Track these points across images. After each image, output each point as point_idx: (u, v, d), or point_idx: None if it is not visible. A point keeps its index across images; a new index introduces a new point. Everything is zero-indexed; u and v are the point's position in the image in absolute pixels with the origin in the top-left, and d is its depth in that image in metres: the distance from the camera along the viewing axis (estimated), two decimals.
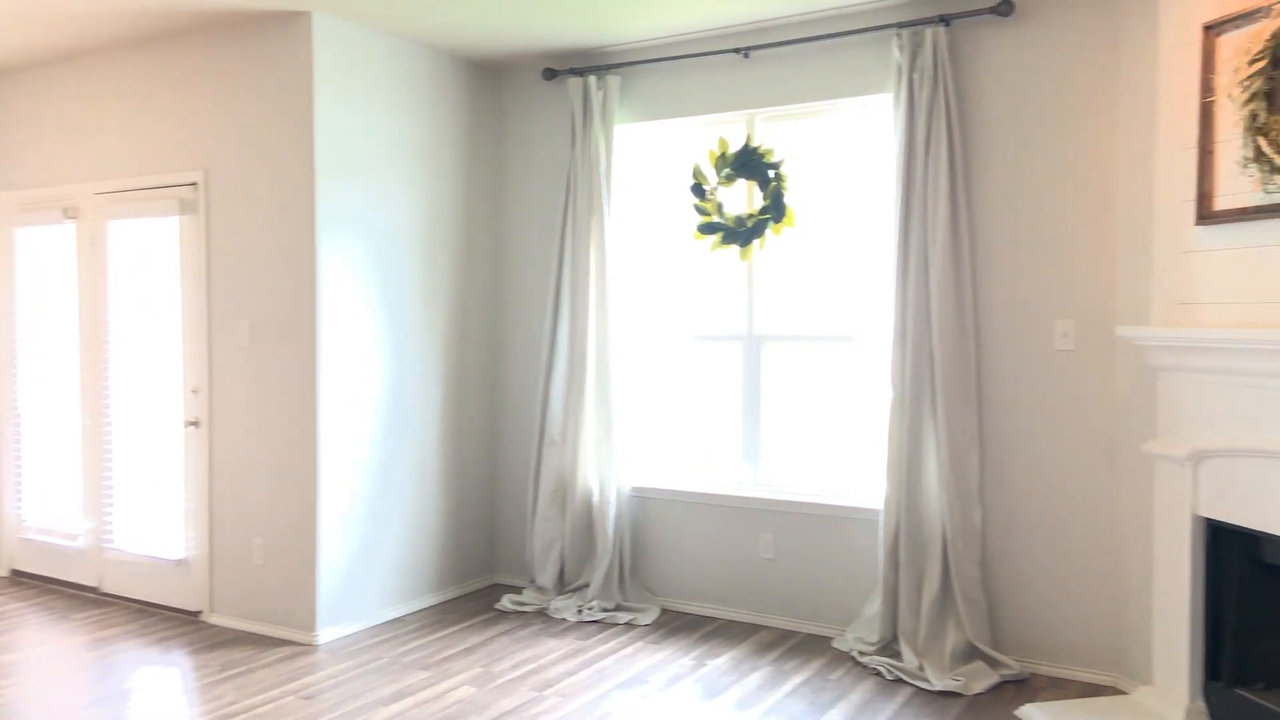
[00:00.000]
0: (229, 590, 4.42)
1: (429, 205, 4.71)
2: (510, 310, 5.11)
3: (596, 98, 4.61)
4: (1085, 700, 3.49)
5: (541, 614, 4.60)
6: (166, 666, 3.90)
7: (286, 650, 4.09)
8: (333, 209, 4.22)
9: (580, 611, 4.51)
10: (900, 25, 3.94)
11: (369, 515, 4.42)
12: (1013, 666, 3.78)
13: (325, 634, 4.21)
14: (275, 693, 3.62)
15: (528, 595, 4.73)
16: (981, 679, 3.71)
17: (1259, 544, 3.06)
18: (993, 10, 3.78)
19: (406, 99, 4.57)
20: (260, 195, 4.28)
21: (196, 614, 4.53)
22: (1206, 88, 3.08)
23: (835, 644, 4.14)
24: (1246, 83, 2.83)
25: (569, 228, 4.71)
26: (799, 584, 4.37)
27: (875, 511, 4.12)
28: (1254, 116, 2.82)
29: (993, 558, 3.94)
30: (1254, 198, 2.92)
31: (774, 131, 4.46)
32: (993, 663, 3.80)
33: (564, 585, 4.74)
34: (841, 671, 3.88)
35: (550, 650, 4.11)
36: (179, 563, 4.57)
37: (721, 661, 4.00)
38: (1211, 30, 3.06)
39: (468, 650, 4.10)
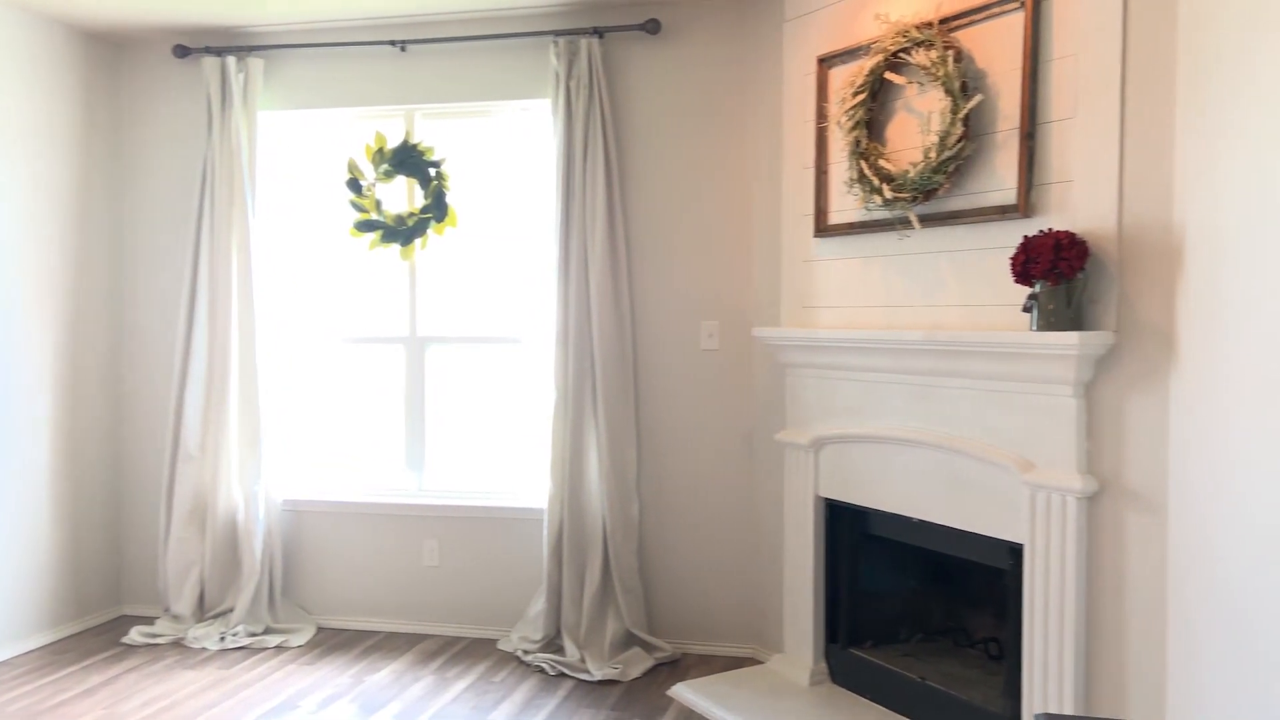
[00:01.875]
0: None
1: (33, 194, 4.07)
2: (137, 312, 4.55)
3: (237, 81, 4.23)
4: (728, 673, 3.77)
5: (178, 645, 4.14)
6: None
7: None
8: None
9: (223, 639, 4.12)
10: (557, 33, 4.02)
11: None
12: (666, 649, 3.99)
13: None
14: None
15: (161, 625, 4.24)
16: (638, 664, 3.87)
17: (866, 518, 3.49)
18: (641, 27, 3.98)
19: (5, 71, 3.91)
20: None
21: None
22: (821, 114, 3.46)
23: (500, 645, 4.13)
24: (851, 112, 3.21)
25: (206, 221, 4.28)
26: (465, 589, 4.31)
27: (540, 511, 4.17)
28: (857, 143, 3.20)
29: (649, 547, 4.14)
30: (858, 214, 3.32)
31: (435, 129, 4.37)
32: (648, 647, 3.99)
33: (204, 611, 4.30)
34: (506, 672, 3.88)
35: (187, 683, 3.71)
36: None
37: (382, 676, 3.83)
38: (824, 63, 3.44)
39: (88, 692, 3.59)
